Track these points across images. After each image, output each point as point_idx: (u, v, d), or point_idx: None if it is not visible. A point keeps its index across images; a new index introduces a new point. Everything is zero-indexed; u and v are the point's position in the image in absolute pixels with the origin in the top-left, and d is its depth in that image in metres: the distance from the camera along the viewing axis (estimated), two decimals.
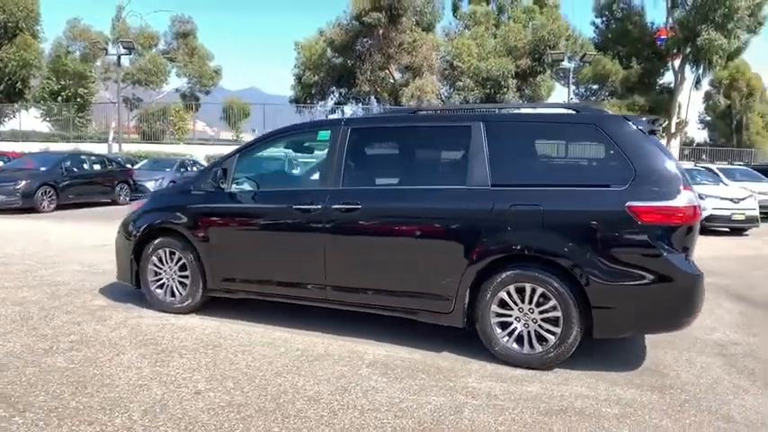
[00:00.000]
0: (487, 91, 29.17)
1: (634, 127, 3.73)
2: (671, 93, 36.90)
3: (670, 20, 34.54)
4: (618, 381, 3.64)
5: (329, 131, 4.51)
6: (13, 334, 4.26)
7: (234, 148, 5.28)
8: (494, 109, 4.34)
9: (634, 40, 36.93)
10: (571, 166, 3.87)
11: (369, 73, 29.75)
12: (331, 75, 30.93)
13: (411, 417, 3.04)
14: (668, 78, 38.14)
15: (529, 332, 3.79)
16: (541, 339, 3.77)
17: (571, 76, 27.62)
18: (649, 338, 4.40)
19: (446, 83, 31.35)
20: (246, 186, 4.80)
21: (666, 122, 28.94)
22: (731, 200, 12.04)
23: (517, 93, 30.50)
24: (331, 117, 29.41)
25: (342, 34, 29.00)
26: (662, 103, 36.34)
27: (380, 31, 28.03)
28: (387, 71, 31.18)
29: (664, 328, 3.73)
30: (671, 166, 3.64)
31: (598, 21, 39.35)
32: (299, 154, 5.33)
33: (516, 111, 4.27)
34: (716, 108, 48.16)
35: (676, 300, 3.56)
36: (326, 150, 4.45)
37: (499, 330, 3.86)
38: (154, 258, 4.97)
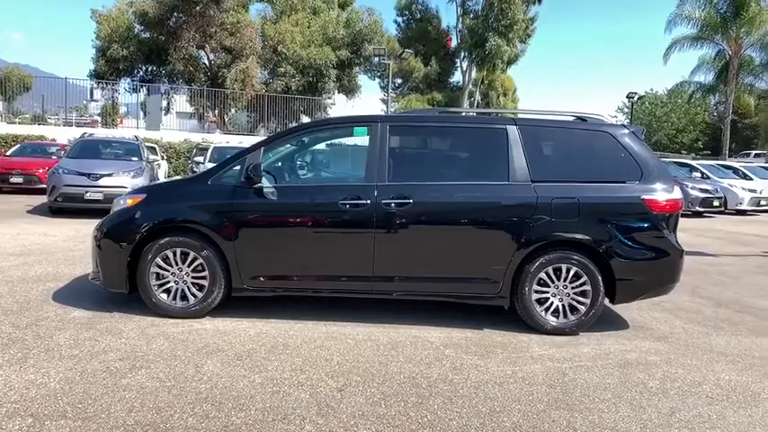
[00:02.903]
0: (310, 79, 29.50)
1: (634, 135, 4.69)
2: (461, 90, 41.77)
3: (460, 25, 38.95)
4: (631, 337, 4.60)
5: (366, 128, 4.63)
6: (35, 359, 3.57)
7: None
8: (516, 114, 4.96)
9: (432, 41, 40.79)
10: (592, 165, 4.65)
11: (183, 51, 27.67)
12: (141, 50, 27.98)
13: (537, 383, 3.53)
14: (458, 77, 43.09)
15: (563, 305, 4.53)
16: (573, 310, 4.53)
17: (389, 70, 29.50)
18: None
19: (266, 68, 30.76)
20: (267, 181, 4.63)
21: None
22: None
23: (336, 83, 31.42)
24: (153, 96, 26.90)
25: (155, 7, 26.42)
26: (454, 100, 40.99)
27: (199, 8, 26.31)
28: (203, 51, 29.37)
29: (660, 293, 4.77)
30: (663, 165, 4.68)
31: (400, 19, 42.53)
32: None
33: (542, 117, 4.92)
34: (477, 104, 55.69)
35: (670, 270, 4.63)
36: (367, 146, 4.57)
37: (538, 306, 4.53)
38: (158, 260, 4.50)
